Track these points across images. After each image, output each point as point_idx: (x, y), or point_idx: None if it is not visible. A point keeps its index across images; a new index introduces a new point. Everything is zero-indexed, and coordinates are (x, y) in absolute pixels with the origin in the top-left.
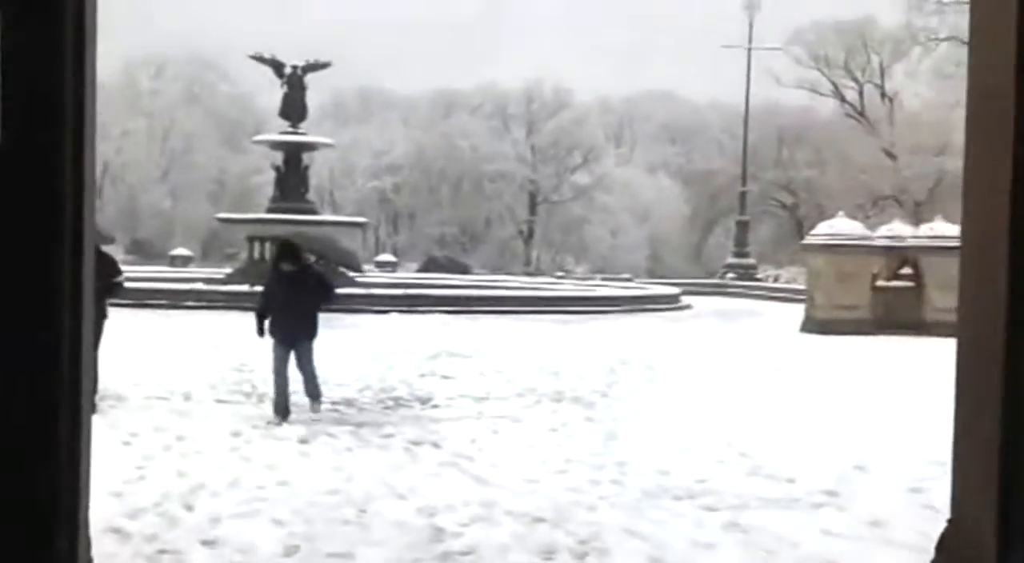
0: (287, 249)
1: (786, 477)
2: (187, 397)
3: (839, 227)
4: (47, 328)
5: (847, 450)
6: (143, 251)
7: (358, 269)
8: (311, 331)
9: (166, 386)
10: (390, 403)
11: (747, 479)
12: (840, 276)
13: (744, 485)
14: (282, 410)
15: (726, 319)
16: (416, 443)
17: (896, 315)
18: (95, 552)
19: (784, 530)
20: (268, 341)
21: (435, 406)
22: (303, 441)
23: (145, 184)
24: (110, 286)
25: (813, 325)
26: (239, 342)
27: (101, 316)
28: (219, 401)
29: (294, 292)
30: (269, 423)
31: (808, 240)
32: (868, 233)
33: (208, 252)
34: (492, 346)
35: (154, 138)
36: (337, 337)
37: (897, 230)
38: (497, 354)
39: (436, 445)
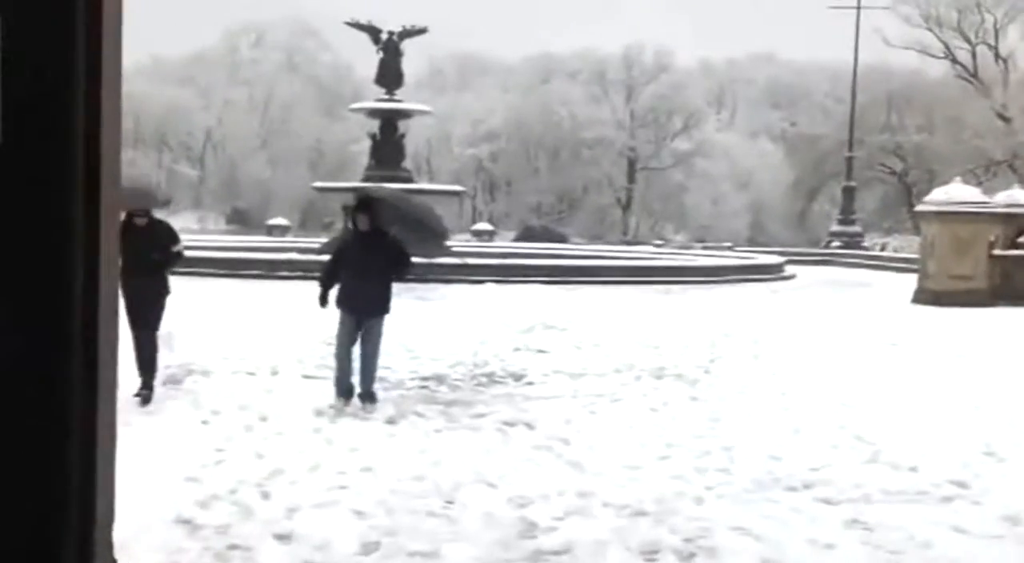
0: (364, 203)
1: (909, 465)
2: (274, 371)
3: (954, 193)
4: (52, 307)
5: (974, 434)
6: (243, 220)
7: (444, 236)
8: (384, 305)
9: (253, 360)
10: (483, 379)
11: (866, 467)
12: (955, 244)
13: (863, 474)
14: (345, 391)
15: (833, 289)
16: (509, 424)
17: (1014, 285)
18: (163, 543)
19: (912, 527)
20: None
21: (529, 383)
22: (390, 421)
23: (245, 153)
24: (168, 257)
25: (927, 296)
26: (329, 314)
27: (162, 291)
28: (306, 376)
29: (370, 256)
30: (332, 407)
31: (921, 207)
32: (985, 199)
33: (306, 221)
34: (589, 318)
35: (254, 107)
36: (429, 309)
37: (1016, 196)
38: (594, 327)
39: (530, 426)
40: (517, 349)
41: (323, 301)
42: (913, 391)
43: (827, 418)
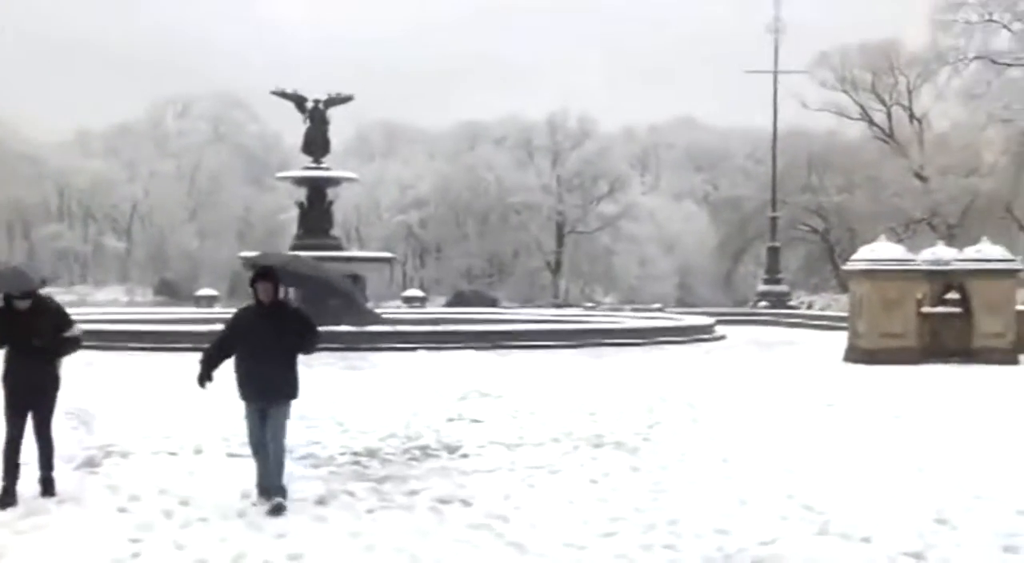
0: (263, 272)
1: (861, 536)
2: (197, 450)
3: (881, 251)
4: None
5: (922, 500)
6: (172, 292)
7: (360, 302)
8: (288, 388)
9: (176, 439)
10: (416, 453)
11: (818, 539)
12: (884, 302)
13: (815, 547)
14: (267, 490)
15: (764, 349)
16: (444, 501)
17: (943, 342)
18: None
19: None
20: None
21: (464, 455)
22: (320, 502)
23: (172, 224)
24: (58, 343)
25: (857, 354)
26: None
27: (52, 382)
28: (231, 455)
29: (270, 331)
30: (255, 505)
31: (849, 266)
32: (911, 256)
33: (236, 291)
34: (524, 384)
35: (181, 178)
36: (360, 379)
37: (940, 253)
38: (529, 393)
39: (466, 503)
40: (451, 419)
41: (203, 381)
42: (856, 454)
43: (772, 486)
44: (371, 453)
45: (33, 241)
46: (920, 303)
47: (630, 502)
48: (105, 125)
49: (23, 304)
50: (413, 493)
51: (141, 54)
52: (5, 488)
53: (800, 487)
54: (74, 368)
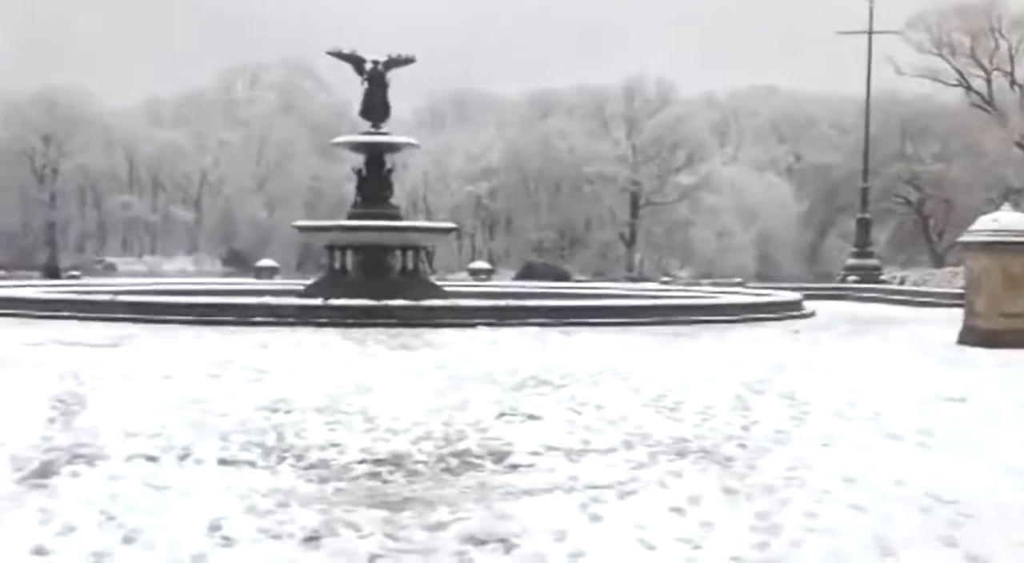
0: None
1: None
2: (183, 455)
3: (1005, 221)
4: None
5: None
6: (239, 262)
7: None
8: None
9: (166, 437)
10: (452, 462)
11: None
12: (1007, 279)
13: None
14: None
15: (861, 328)
16: (477, 541)
17: None
18: None
19: None
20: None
21: (513, 467)
22: (310, 539)
23: (241, 194)
24: None
25: (975, 337)
26: (290, 368)
27: None
28: (223, 462)
29: None
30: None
31: (967, 237)
32: None
33: (304, 263)
34: (591, 369)
35: (250, 148)
36: (408, 361)
37: None
38: (597, 381)
39: (507, 544)
40: (502, 414)
41: None
42: (1010, 464)
43: (922, 522)
44: (397, 461)
45: (103, 210)
46: None
47: (728, 547)
48: (174, 94)
49: None
50: (439, 527)
51: (211, 22)
52: None
53: (961, 526)
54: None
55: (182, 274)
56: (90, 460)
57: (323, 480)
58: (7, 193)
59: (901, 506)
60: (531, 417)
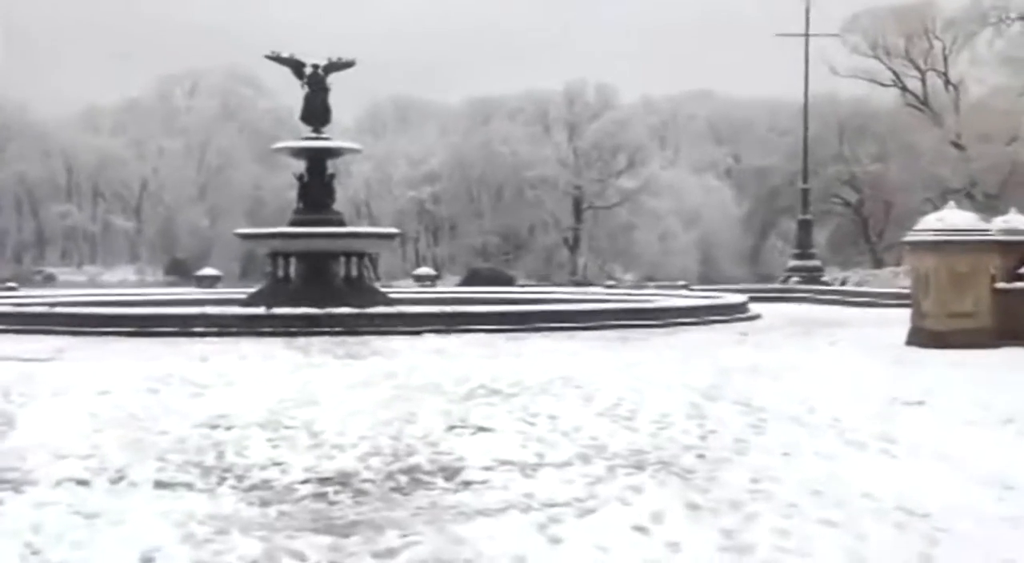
0: None
1: None
2: (117, 478)
3: (950, 219)
4: None
5: None
6: (182, 271)
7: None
8: None
9: (99, 459)
10: (402, 480)
11: None
12: (953, 278)
13: None
14: None
15: (808, 330)
16: None
17: (1020, 322)
18: None
19: None
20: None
21: (466, 483)
22: None
23: (182, 203)
24: None
25: (923, 337)
26: (232, 381)
27: None
28: (159, 484)
29: None
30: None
31: (912, 237)
32: (985, 226)
33: (248, 271)
34: (541, 377)
35: (191, 156)
36: (354, 371)
37: (1014, 222)
38: (548, 389)
39: None
40: (452, 427)
41: None
42: (981, 474)
43: (897, 538)
44: (344, 480)
45: (41, 219)
46: (994, 278)
47: None
48: (113, 102)
49: None
50: (389, 554)
51: (149, 32)
52: None
53: (939, 543)
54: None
55: (123, 284)
56: (16, 486)
57: (265, 503)
58: None
59: (873, 521)
60: (482, 429)
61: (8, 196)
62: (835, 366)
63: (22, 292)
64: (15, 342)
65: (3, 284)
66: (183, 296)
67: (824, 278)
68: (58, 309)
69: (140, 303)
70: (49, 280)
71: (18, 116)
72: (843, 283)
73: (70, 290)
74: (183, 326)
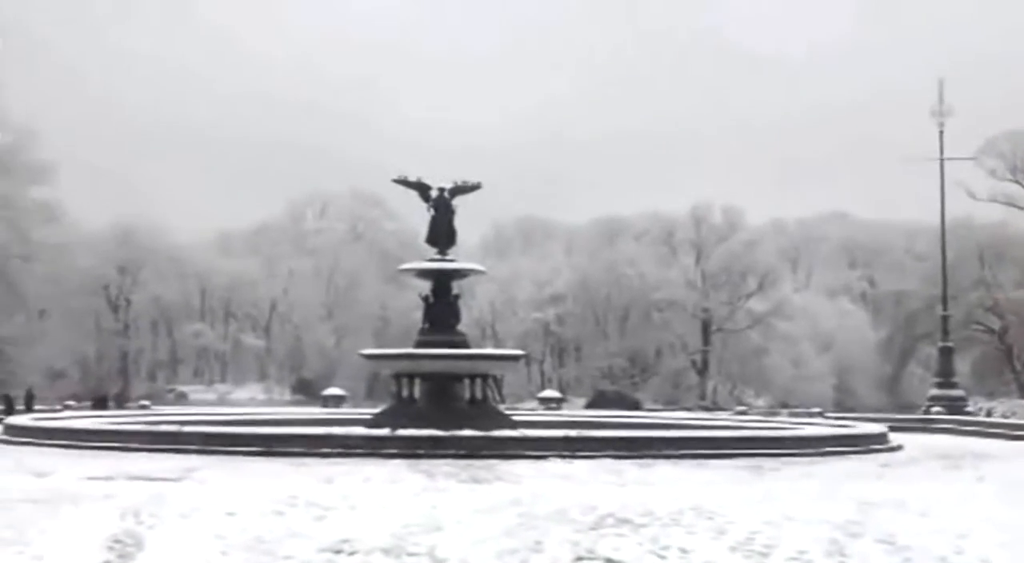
0: None
1: None
2: None
3: None
4: None
5: None
6: (308, 390)
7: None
8: None
9: None
10: None
11: None
12: None
13: None
14: None
15: (953, 464)
16: None
17: None
18: None
19: None
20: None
21: None
22: None
23: (310, 323)
24: None
25: None
26: (356, 505)
27: None
28: None
29: None
30: None
31: None
32: None
33: (373, 391)
34: (671, 507)
35: (319, 277)
36: (478, 496)
37: None
38: (678, 520)
39: None
40: (579, 559)
41: None
42: None
43: None
44: None
45: (175, 339)
46: None
47: None
48: (245, 225)
49: None
50: None
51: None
52: None
53: None
54: None
55: (252, 402)
56: None
57: None
58: (83, 323)
59: None
60: (610, 561)
61: (144, 317)
62: (983, 502)
63: (155, 410)
64: (147, 460)
65: (137, 402)
66: (309, 416)
67: (968, 408)
68: (188, 429)
69: (267, 422)
70: (181, 398)
71: (154, 239)
72: (988, 414)
73: (200, 408)
74: (309, 447)
